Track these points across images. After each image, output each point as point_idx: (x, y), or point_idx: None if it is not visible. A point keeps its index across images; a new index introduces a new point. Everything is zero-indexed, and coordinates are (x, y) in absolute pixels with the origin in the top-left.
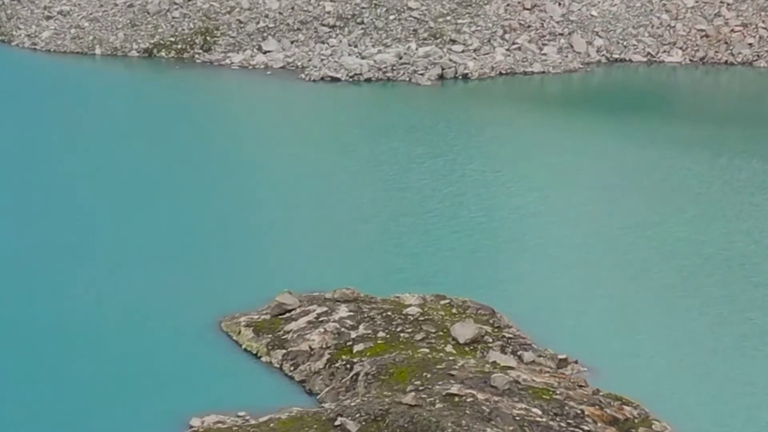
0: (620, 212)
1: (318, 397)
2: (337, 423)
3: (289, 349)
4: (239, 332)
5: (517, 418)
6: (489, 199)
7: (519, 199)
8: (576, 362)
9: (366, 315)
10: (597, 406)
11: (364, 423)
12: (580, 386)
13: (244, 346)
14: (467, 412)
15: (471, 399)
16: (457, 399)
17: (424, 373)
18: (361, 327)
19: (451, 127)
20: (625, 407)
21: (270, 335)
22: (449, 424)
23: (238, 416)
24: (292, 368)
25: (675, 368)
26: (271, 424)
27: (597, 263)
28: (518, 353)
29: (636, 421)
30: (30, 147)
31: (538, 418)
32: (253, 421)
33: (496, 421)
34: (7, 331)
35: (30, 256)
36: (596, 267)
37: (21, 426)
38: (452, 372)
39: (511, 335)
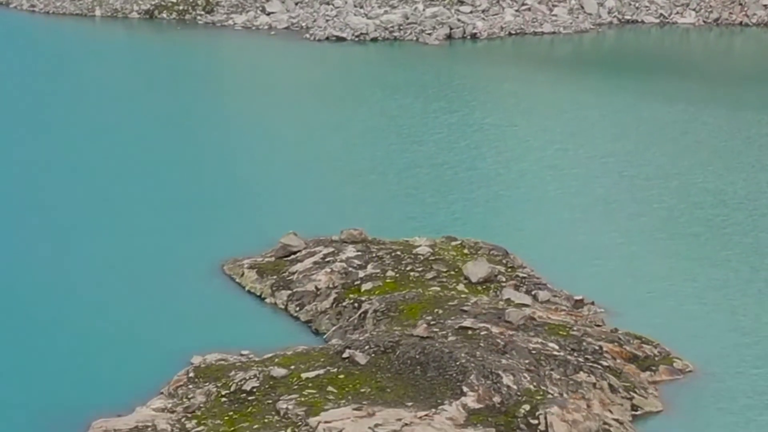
0: (642, 164)
1: (325, 336)
2: (345, 355)
3: (295, 290)
4: (242, 274)
5: (533, 351)
6: (507, 152)
7: (538, 152)
8: (593, 303)
9: (374, 255)
10: (616, 343)
11: (373, 355)
12: (598, 325)
13: (247, 288)
14: (481, 344)
15: (485, 332)
16: (470, 332)
17: (436, 310)
18: (369, 266)
19: (465, 84)
20: (645, 345)
21: (274, 277)
22: (462, 355)
23: (242, 354)
24: (297, 309)
25: (697, 312)
26: (276, 360)
27: (618, 212)
28: (533, 293)
29: (656, 359)
30: (33, 106)
31: (555, 353)
32: (256, 359)
33: (511, 354)
34: (18, 275)
35: (38, 209)
36: (618, 216)
37: (30, 365)
38: (465, 308)
39: (525, 275)
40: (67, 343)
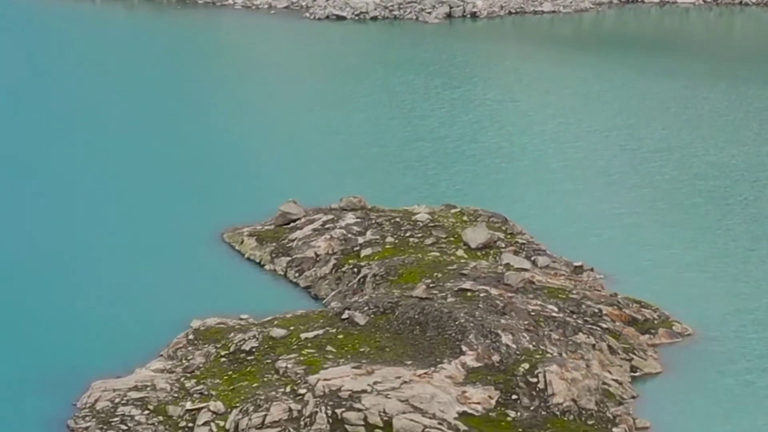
0: (644, 138)
1: (324, 301)
2: (344, 316)
3: (294, 256)
4: (242, 242)
5: (532, 313)
6: (508, 126)
7: (539, 126)
8: (592, 270)
9: (374, 222)
10: (615, 307)
11: (372, 315)
12: (597, 290)
13: (246, 255)
14: (480, 305)
15: (484, 294)
16: (469, 294)
17: (435, 273)
18: (368, 233)
19: (467, 61)
20: (644, 309)
21: (274, 244)
22: (462, 315)
23: (241, 319)
24: (297, 274)
25: (697, 279)
26: (275, 322)
27: (620, 184)
28: (532, 258)
29: (655, 322)
30: (39, 82)
31: (554, 314)
32: (255, 322)
33: (510, 315)
34: (22, 241)
35: (42, 178)
36: (619, 187)
37: (31, 329)
38: (464, 272)
39: (524, 241)
40: (68, 308)
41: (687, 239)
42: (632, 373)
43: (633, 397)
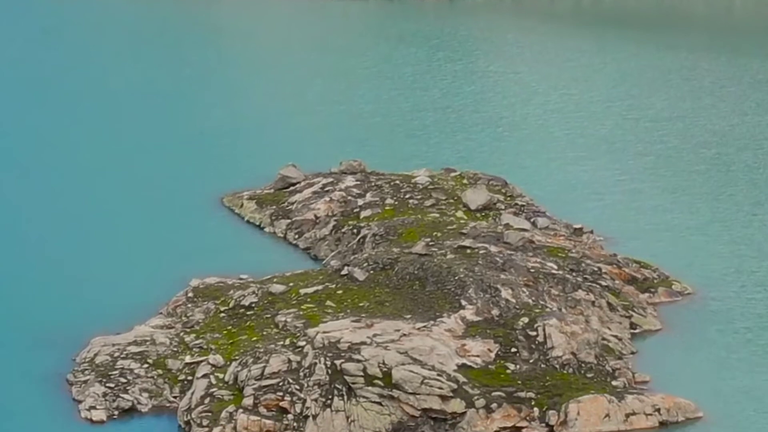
0: (646, 107)
1: (324, 262)
2: (343, 273)
3: (294, 219)
4: (241, 205)
5: (532, 270)
6: (511, 97)
7: (541, 97)
8: (592, 232)
9: (373, 184)
10: (614, 266)
11: (371, 271)
12: (597, 251)
13: (246, 218)
14: (480, 262)
15: (484, 251)
16: (469, 251)
17: (434, 233)
18: (368, 195)
19: (469, 35)
20: (644, 269)
21: (273, 207)
22: (461, 270)
23: (240, 278)
24: (296, 236)
25: (698, 242)
26: (274, 280)
27: (622, 152)
28: (532, 220)
29: (655, 281)
30: (45, 54)
31: (553, 271)
32: (255, 281)
33: (509, 272)
34: (27, 204)
35: (46, 144)
36: (621, 155)
37: (34, 287)
38: (464, 231)
39: (524, 203)
40: (69, 268)
41: (689, 204)
42: (632, 330)
43: (632, 353)
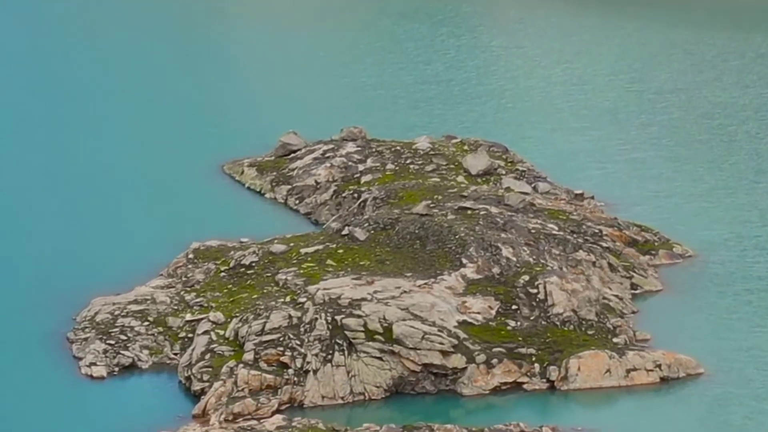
0: (649, 80)
1: (324, 226)
2: (344, 233)
3: (294, 185)
4: (242, 172)
5: (533, 231)
6: (514, 71)
7: (545, 71)
8: (593, 198)
9: (374, 150)
10: (615, 228)
11: (372, 231)
12: (598, 214)
13: (247, 185)
14: (480, 222)
15: (484, 212)
16: (469, 212)
17: (435, 196)
18: (369, 161)
19: (472, 11)
20: (645, 233)
21: (274, 173)
22: (462, 229)
23: (241, 242)
24: (297, 202)
25: (700, 208)
26: (275, 241)
27: (626, 123)
28: (533, 185)
29: (656, 244)
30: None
31: (554, 232)
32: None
33: (510, 232)
34: (39, 168)
35: (60, 113)
36: (625, 126)
37: (36, 249)
38: (464, 194)
39: (524, 169)
40: (71, 231)
41: (691, 172)
42: (632, 291)
43: (633, 312)
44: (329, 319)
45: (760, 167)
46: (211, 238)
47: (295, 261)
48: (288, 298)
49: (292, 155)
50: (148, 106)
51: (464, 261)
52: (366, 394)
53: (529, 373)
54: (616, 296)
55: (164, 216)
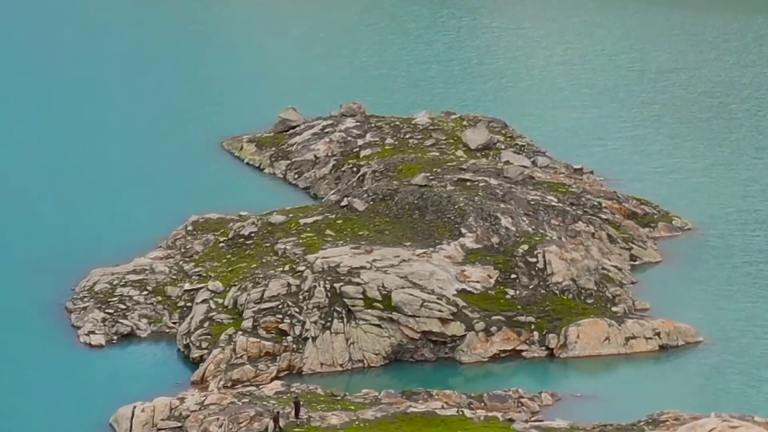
0: (651, 60)
1: (323, 199)
2: (343, 204)
3: (293, 159)
4: (241, 148)
5: (532, 202)
6: (515, 51)
7: (546, 51)
8: (592, 172)
9: (373, 125)
10: (614, 201)
11: (371, 202)
12: (597, 188)
13: (246, 160)
14: (480, 193)
15: (483, 184)
16: (468, 183)
17: (435, 169)
18: (368, 135)
19: None
20: (644, 206)
21: (273, 148)
22: (461, 199)
23: (240, 215)
24: (296, 176)
25: (700, 184)
26: (274, 213)
27: (627, 101)
28: (532, 159)
29: (655, 216)
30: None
31: (553, 204)
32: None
33: (509, 203)
34: (40, 145)
35: (62, 88)
36: (626, 104)
37: (36, 222)
38: (463, 167)
39: (524, 144)
40: (71, 203)
41: (692, 149)
42: (632, 262)
43: (632, 283)
44: (328, 286)
45: (761, 143)
46: (210, 211)
47: (294, 231)
48: (287, 267)
49: (291, 131)
50: (148, 84)
51: (463, 231)
52: (365, 362)
53: (528, 341)
54: (615, 267)
55: (163, 191)
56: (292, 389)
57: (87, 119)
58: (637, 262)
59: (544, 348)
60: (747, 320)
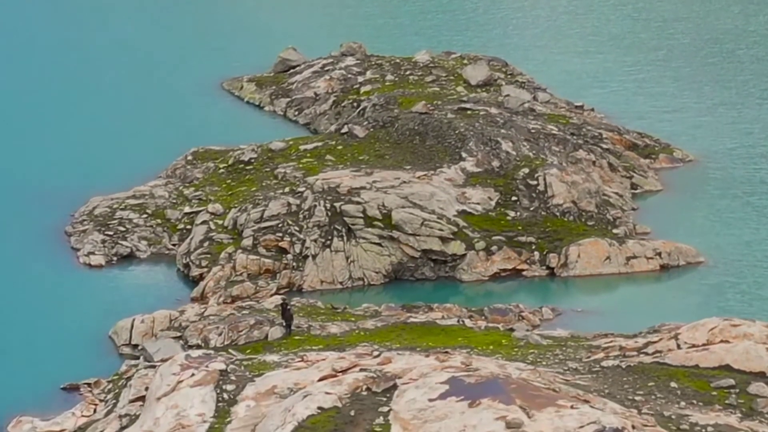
0: (658, 9)
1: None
2: (343, 131)
3: (294, 97)
4: (241, 88)
5: (533, 131)
6: (521, 1)
7: (551, 1)
8: (593, 110)
9: (373, 63)
10: (615, 132)
11: (371, 129)
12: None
13: (246, 99)
14: (480, 121)
15: (484, 113)
16: (469, 112)
17: (435, 102)
18: (368, 72)
19: None
20: (645, 138)
21: (273, 87)
22: (461, 125)
23: (240, 148)
24: (296, 113)
25: (703, 122)
26: (274, 141)
27: (633, 47)
28: (533, 95)
29: (656, 148)
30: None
31: (554, 132)
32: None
33: (510, 131)
34: (46, 82)
35: (67, 31)
36: (632, 50)
37: (40, 147)
38: (464, 99)
39: (525, 80)
40: (70, 138)
41: (697, 90)
42: (632, 190)
43: (633, 209)
44: (328, 206)
45: (761, 86)
46: (210, 145)
47: (294, 157)
48: (287, 189)
49: (291, 71)
50: (150, 27)
51: (464, 155)
52: (365, 280)
53: (528, 261)
54: (616, 193)
55: (163, 128)
56: (293, 303)
57: (91, 62)
58: (637, 191)
59: (544, 267)
60: (747, 245)
